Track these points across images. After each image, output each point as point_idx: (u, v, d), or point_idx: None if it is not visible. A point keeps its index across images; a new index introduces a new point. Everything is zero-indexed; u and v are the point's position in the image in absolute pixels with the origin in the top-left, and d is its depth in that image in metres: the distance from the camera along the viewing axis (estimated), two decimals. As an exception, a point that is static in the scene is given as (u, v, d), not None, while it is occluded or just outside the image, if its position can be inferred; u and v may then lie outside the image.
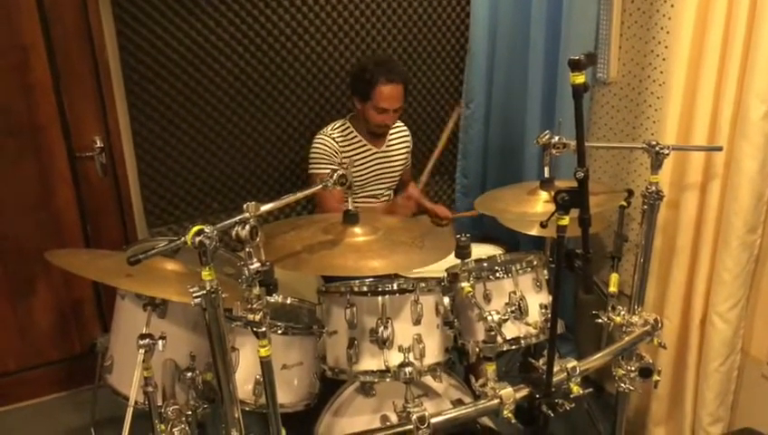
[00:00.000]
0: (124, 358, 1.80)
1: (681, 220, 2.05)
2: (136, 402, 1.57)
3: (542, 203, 1.84)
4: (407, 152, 2.78)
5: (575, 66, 1.30)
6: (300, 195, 1.52)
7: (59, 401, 2.77)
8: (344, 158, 2.53)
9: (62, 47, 2.43)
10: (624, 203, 2.12)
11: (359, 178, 2.59)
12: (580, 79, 1.31)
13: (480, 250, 2.33)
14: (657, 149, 1.76)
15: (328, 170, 2.44)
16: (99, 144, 2.55)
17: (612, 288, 2.03)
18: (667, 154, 1.76)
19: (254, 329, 1.24)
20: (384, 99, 2.43)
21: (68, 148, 2.54)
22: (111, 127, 2.57)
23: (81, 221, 2.64)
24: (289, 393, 1.82)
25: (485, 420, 1.79)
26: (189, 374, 1.78)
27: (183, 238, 1.20)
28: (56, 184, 2.56)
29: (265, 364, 1.28)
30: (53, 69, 2.44)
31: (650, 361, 1.86)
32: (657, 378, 1.88)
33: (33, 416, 2.69)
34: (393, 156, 2.70)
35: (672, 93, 2.02)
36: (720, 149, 1.88)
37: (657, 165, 1.79)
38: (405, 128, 2.79)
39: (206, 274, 1.22)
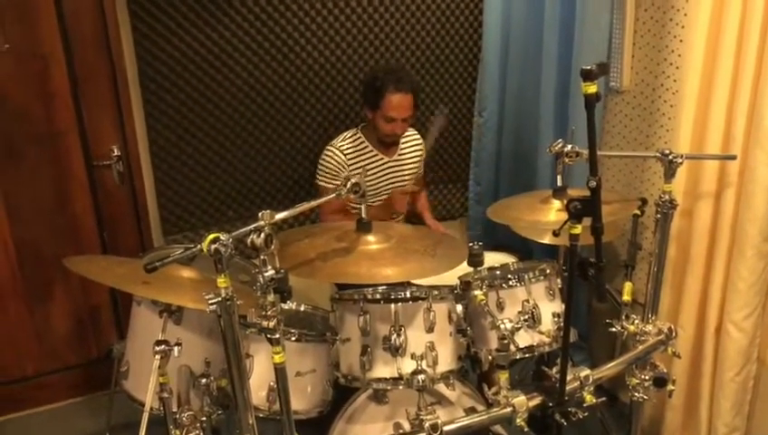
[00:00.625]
0: (140, 364, 1.82)
1: (695, 229, 2.05)
2: (151, 408, 1.59)
3: (554, 211, 1.85)
4: (419, 160, 2.79)
5: (587, 76, 1.30)
6: (313, 203, 1.54)
7: (75, 406, 2.80)
8: (355, 168, 2.54)
9: (81, 56, 2.47)
10: (638, 212, 2.12)
11: (369, 187, 2.58)
12: (592, 89, 1.31)
13: (493, 258, 2.32)
14: (670, 157, 1.75)
15: (332, 185, 2.48)
16: (116, 152, 2.59)
17: (626, 297, 2.02)
18: (681, 163, 1.76)
19: (269, 336, 1.25)
20: (392, 108, 2.44)
21: (86, 156, 2.58)
22: (128, 135, 2.61)
23: (98, 228, 2.67)
24: (302, 400, 1.84)
25: (498, 429, 1.79)
26: (204, 380, 1.79)
27: (199, 246, 1.22)
28: (74, 191, 2.60)
29: (279, 371, 1.29)
30: (72, 78, 2.48)
31: (665, 370, 1.85)
32: (672, 387, 1.87)
33: (50, 421, 2.72)
34: (405, 164, 2.71)
35: (685, 102, 2.02)
36: (734, 157, 1.87)
37: (670, 174, 1.79)
38: (418, 136, 2.80)
39: (221, 281, 1.23)
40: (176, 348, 1.60)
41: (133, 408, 1.76)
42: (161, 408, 1.63)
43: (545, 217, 1.84)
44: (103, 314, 2.79)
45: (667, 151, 1.77)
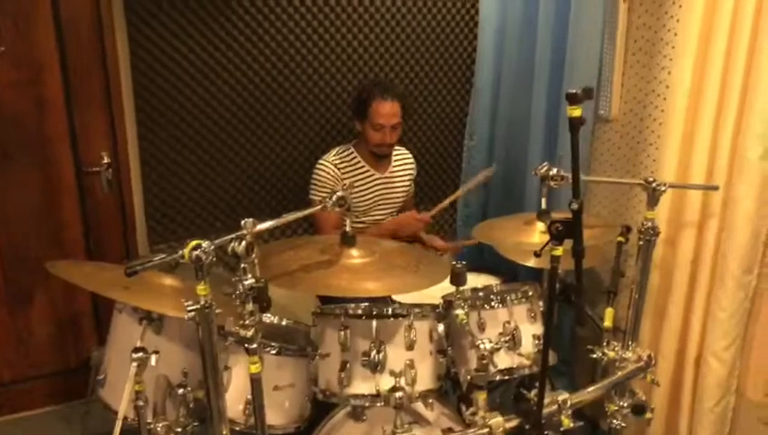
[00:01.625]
0: (118, 372, 1.80)
1: (677, 258, 2.06)
2: (126, 418, 1.57)
3: (538, 234, 1.86)
4: (410, 179, 2.81)
5: (572, 100, 1.33)
6: (298, 214, 1.55)
7: (52, 414, 2.76)
8: (344, 183, 2.56)
9: (75, 63, 2.48)
10: (622, 239, 2.13)
11: (360, 203, 2.61)
12: (576, 112, 1.34)
13: (477, 280, 2.34)
14: (653, 185, 1.78)
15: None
16: (106, 160, 2.59)
17: (607, 323, 2.03)
18: (664, 191, 1.78)
19: (246, 345, 1.25)
20: (380, 115, 2.47)
21: (75, 162, 2.58)
22: (119, 143, 2.61)
23: (83, 235, 2.66)
24: (280, 415, 1.82)
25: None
26: (181, 391, 1.78)
27: (180, 252, 1.22)
28: (62, 197, 2.60)
29: (255, 381, 1.28)
30: (66, 85, 2.49)
31: (644, 398, 1.86)
32: (650, 416, 1.87)
33: (25, 428, 2.67)
34: (396, 182, 2.73)
35: (671, 132, 2.05)
36: (716, 188, 1.90)
37: (653, 201, 1.81)
38: (409, 155, 2.83)
39: (200, 288, 1.24)
40: (153, 356, 1.59)
41: (110, 418, 1.73)
42: (136, 417, 1.61)
43: (529, 239, 1.86)
44: (84, 322, 2.76)
45: (651, 179, 1.79)
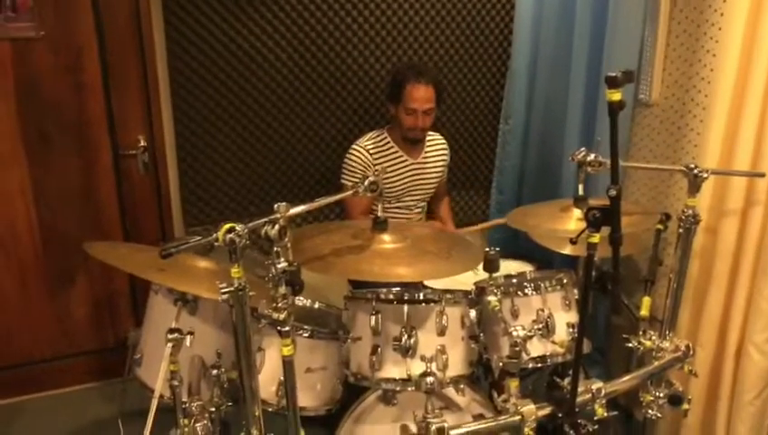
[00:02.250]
0: (153, 352, 1.84)
1: (719, 247, 2.00)
2: (162, 396, 1.60)
3: (574, 221, 1.82)
4: (443, 165, 2.78)
5: (612, 83, 1.29)
6: (330, 199, 1.54)
7: (90, 391, 2.84)
8: (377, 168, 2.55)
9: (113, 47, 2.51)
10: (661, 226, 2.08)
11: (392, 189, 2.60)
12: (616, 96, 1.30)
13: (511, 266, 2.31)
14: (695, 171, 1.72)
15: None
16: (142, 143, 2.63)
17: (644, 312, 1.98)
18: (706, 177, 1.72)
19: (279, 328, 1.26)
20: (413, 99, 2.44)
21: (113, 145, 2.62)
22: (155, 127, 2.65)
23: (120, 217, 2.71)
24: (312, 397, 1.84)
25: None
26: (215, 372, 1.80)
27: (214, 235, 1.23)
28: (99, 180, 2.65)
29: (287, 363, 1.29)
30: (104, 69, 2.53)
31: (680, 388, 1.81)
32: (687, 407, 1.83)
33: (65, 404, 2.76)
34: (429, 168, 2.71)
35: (715, 117, 1.98)
36: (763, 175, 1.83)
37: (694, 188, 1.75)
38: (443, 141, 2.80)
39: (234, 271, 1.24)
40: (188, 337, 1.62)
41: (146, 396, 1.77)
42: (171, 396, 1.64)
43: (564, 226, 1.82)
44: (121, 302, 2.83)
45: (693, 165, 1.74)
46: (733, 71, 1.92)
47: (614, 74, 1.29)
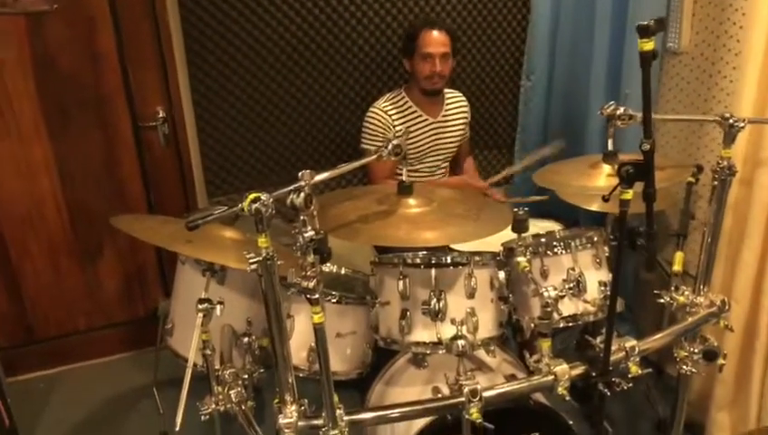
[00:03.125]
0: (184, 322, 1.86)
1: (754, 199, 1.94)
2: (195, 365, 1.62)
3: (604, 177, 1.78)
4: (464, 123, 2.73)
5: (644, 32, 1.23)
6: (354, 165, 1.51)
7: (124, 360, 2.91)
8: (398, 129, 2.51)
9: (127, 18, 2.48)
10: (692, 179, 2.02)
11: (414, 150, 2.57)
12: (648, 46, 1.24)
13: (538, 226, 2.27)
14: (731, 121, 1.66)
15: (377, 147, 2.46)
16: (162, 114, 2.61)
17: (676, 267, 1.94)
18: (742, 127, 1.65)
19: (308, 296, 1.25)
20: (428, 43, 2.41)
21: (132, 118, 2.61)
22: (174, 97, 2.63)
23: (144, 190, 2.73)
24: (342, 361, 1.85)
25: (538, 397, 1.77)
26: (246, 339, 1.82)
27: (240, 205, 1.21)
28: (121, 153, 2.65)
29: (319, 331, 1.29)
30: (118, 39, 2.50)
31: (715, 343, 1.79)
32: (723, 362, 1.80)
33: (101, 374, 2.83)
34: (449, 126, 2.66)
35: (749, 63, 1.90)
36: (801, 122, 1.76)
37: (730, 139, 1.69)
38: (462, 97, 2.74)
39: (262, 241, 1.23)
40: (218, 307, 1.63)
41: (178, 364, 1.80)
42: (204, 365, 1.66)
43: (594, 183, 1.78)
44: (149, 273, 2.86)
45: (728, 115, 1.67)
46: (766, 14, 1.83)
47: (645, 23, 1.23)
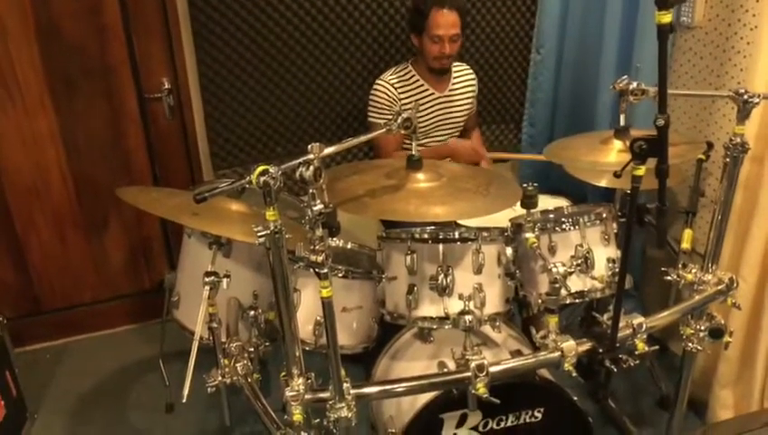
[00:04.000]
0: (190, 294, 1.86)
1: (765, 176, 1.92)
2: (201, 337, 1.63)
3: (615, 153, 1.75)
4: (472, 96, 2.70)
5: (662, 4, 1.20)
6: (363, 138, 1.49)
7: (130, 332, 2.92)
8: (404, 103, 2.48)
9: (132, -13, 2.45)
10: (702, 156, 2.00)
11: (421, 124, 2.54)
12: (666, 18, 1.21)
13: (546, 202, 2.25)
14: (745, 97, 1.63)
15: (384, 120, 2.43)
16: (167, 86, 2.59)
17: (685, 244, 1.93)
18: (757, 103, 1.62)
19: (317, 270, 1.24)
20: (437, 25, 2.36)
21: (137, 89, 2.59)
22: (179, 69, 2.60)
23: (149, 162, 2.71)
24: (348, 335, 1.85)
25: (544, 373, 1.77)
26: (252, 313, 1.83)
27: (248, 178, 1.20)
28: (127, 125, 2.63)
29: (327, 305, 1.28)
30: (123, 10, 2.47)
31: (722, 321, 1.78)
32: (729, 339, 1.79)
33: (107, 345, 2.85)
34: (457, 100, 2.63)
35: (765, 38, 1.86)
36: (817, 99, 1.73)
37: (743, 115, 1.66)
38: (470, 70, 2.71)
39: (270, 214, 1.22)
40: (225, 280, 1.63)
41: (184, 336, 1.81)
42: (210, 337, 1.67)
43: (605, 159, 1.75)
44: (155, 246, 2.86)
45: (743, 90, 1.64)
46: (786, -14, 1.80)
47: (664, -6, 1.20)
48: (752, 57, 1.98)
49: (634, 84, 1.69)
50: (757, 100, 1.60)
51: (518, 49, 3.01)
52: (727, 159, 1.70)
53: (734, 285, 1.75)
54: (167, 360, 2.45)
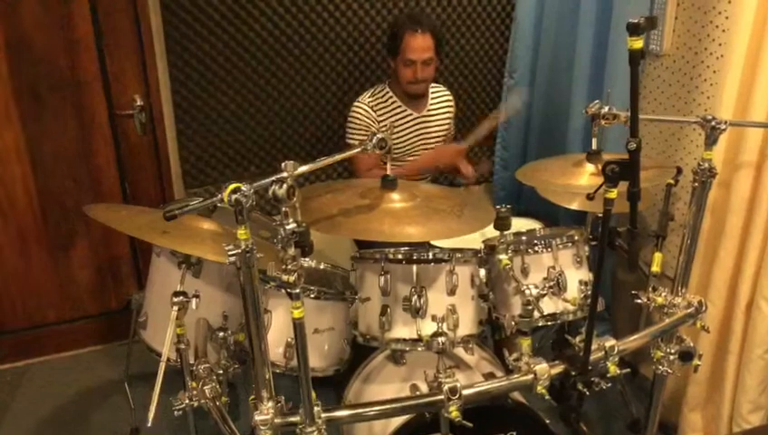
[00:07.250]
0: (158, 315, 1.82)
1: (732, 201, 1.96)
2: (168, 359, 1.58)
3: (587, 176, 1.77)
4: (449, 118, 2.72)
5: (634, 30, 1.23)
6: (337, 157, 1.49)
7: (95, 353, 2.84)
8: (382, 124, 2.49)
9: (105, 3, 2.42)
10: (672, 181, 2.03)
11: (398, 145, 2.55)
12: (638, 44, 1.24)
13: (518, 224, 2.27)
14: (713, 123, 1.66)
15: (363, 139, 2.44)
16: (139, 102, 2.55)
17: (655, 268, 1.95)
18: (724, 129, 1.66)
19: (289, 290, 1.22)
20: (410, 49, 2.37)
21: (108, 105, 2.55)
22: (152, 86, 2.57)
23: (119, 179, 2.66)
24: (319, 358, 1.82)
25: (517, 396, 1.77)
26: (221, 334, 1.79)
27: (219, 196, 1.18)
28: (96, 141, 2.58)
29: (298, 326, 1.26)
30: (96, 25, 2.44)
31: (692, 344, 1.80)
32: (698, 362, 1.81)
33: (71, 366, 2.76)
34: (434, 121, 2.64)
35: (731, 67, 1.91)
36: (782, 126, 1.78)
37: (711, 141, 1.69)
38: (447, 92, 2.73)
39: (241, 232, 1.20)
40: (194, 300, 1.59)
41: (151, 358, 1.77)
42: (178, 359, 1.63)
43: (577, 182, 1.77)
44: (123, 265, 2.80)
45: (710, 117, 1.68)
46: (749, 18, 1.85)
47: (636, 20, 1.22)
48: (718, 85, 2.03)
49: (606, 109, 1.72)
50: (724, 126, 1.64)
51: (491, 73, 3.06)
52: (696, 184, 1.73)
53: (704, 308, 1.77)
54: (132, 382, 2.38)
